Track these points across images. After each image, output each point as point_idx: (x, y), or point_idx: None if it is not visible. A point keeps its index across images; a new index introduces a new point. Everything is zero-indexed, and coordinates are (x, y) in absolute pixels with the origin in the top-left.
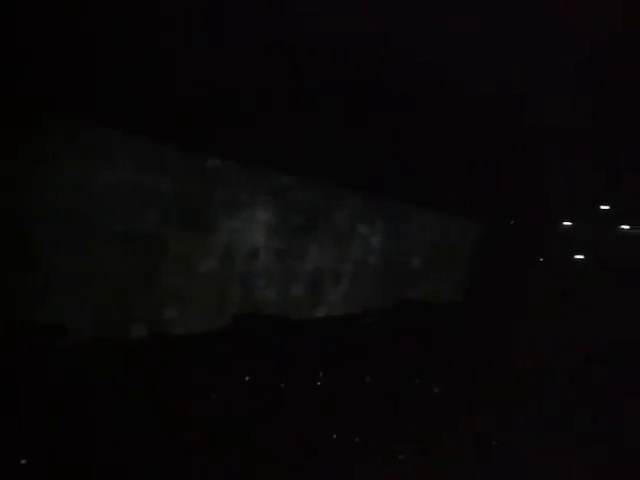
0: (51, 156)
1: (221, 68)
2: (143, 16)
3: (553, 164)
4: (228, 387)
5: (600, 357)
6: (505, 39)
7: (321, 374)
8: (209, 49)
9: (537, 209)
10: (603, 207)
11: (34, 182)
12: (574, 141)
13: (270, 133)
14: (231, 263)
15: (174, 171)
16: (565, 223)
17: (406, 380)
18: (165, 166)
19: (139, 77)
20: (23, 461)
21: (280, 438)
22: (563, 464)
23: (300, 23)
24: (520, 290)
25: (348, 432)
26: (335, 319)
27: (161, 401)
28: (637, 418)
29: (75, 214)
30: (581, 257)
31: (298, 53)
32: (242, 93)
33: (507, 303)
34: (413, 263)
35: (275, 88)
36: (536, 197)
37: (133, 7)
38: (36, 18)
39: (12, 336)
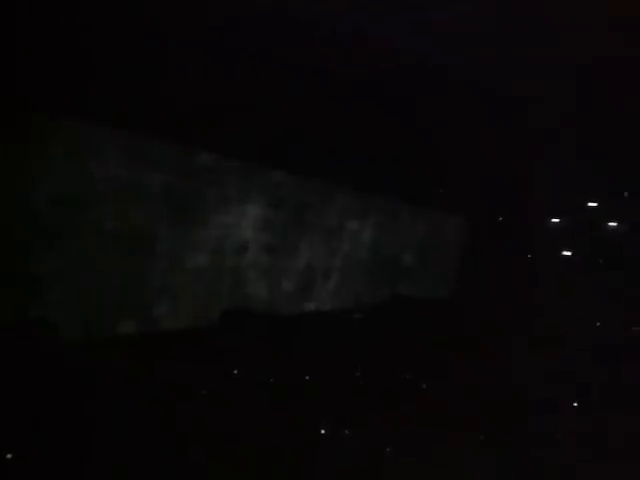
0: (41, 152)
1: (212, 66)
2: (133, 16)
3: (541, 161)
4: (218, 382)
5: (591, 354)
6: (499, 39)
7: (311, 369)
8: (200, 47)
9: (525, 206)
10: (591, 204)
11: (23, 179)
12: (562, 138)
13: (261, 129)
14: (221, 259)
15: (164, 167)
16: (553, 220)
17: (395, 376)
18: (156, 162)
19: (130, 74)
20: (9, 456)
21: (270, 433)
22: (558, 464)
23: (291, 24)
24: (508, 286)
25: (337, 426)
26: (325, 314)
27: (151, 397)
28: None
29: (66, 210)
30: (569, 254)
31: (288, 52)
32: (233, 90)
33: (496, 299)
34: (403, 259)
35: (266, 85)
36: (524, 194)
37: (122, 7)
38: (27, 18)
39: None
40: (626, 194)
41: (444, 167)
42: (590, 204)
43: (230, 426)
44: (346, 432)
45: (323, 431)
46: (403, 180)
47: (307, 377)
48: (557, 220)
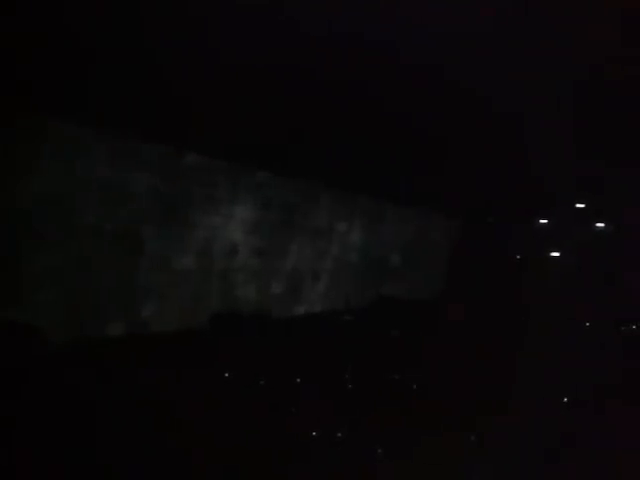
0: (29, 153)
1: (199, 66)
2: (122, 15)
3: (530, 162)
4: (207, 384)
5: (581, 354)
6: (488, 37)
7: (301, 371)
8: (189, 47)
9: (514, 207)
10: (579, 205)
11: (11, 179)
12: (551, 139)
13: (249, 130)
14: (211, 261)
15: (151, 168)
16: (541, 221)
17: (385, 377)
18: (143, 163)
19: (118, 74)
20: None
21: (260, 435)
22: (548, 464)
23: (282, 24)
24: (497, 286)
25: (328, 428)
26: (315, 316)
27: (140, 400)
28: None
29: (53, 211)
30: (557, 254)
31: (275, 52)
32: (220, 90)
33: (484, 300)
34: (391, 260)
35: (254, 86)
36: (513, 195)
37: (109, 6)
38: (14, 17)
39: None
40: (613, 194)
41: (433, 168)
42: (578, 205)
43: (221, 429)
44: (338, 434)
45: (314, 433)
46: (391, 181)
47: (298, 379)
48: (545, 221)
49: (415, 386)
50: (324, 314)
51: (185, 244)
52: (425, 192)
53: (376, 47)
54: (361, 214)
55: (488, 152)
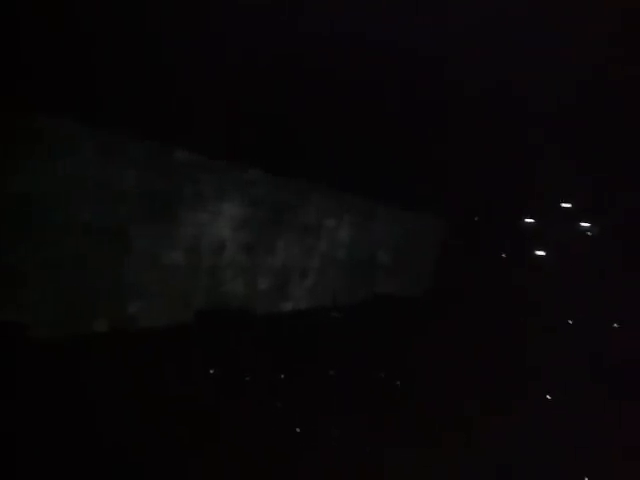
0: (16, 150)
1: (189, 62)
2: (113, 14)
3: (516, 162)
4: (193, 381)
5: (570, 352)
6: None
7: (288, 368)
8: (181, 44)
9: (500, 206)
10: (565, 205)
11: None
12: (538, 139)
13: (240, 128)
14: (199, 257)
15: (140, 165)
16: (527, 220)
17: (372, 374)
18: (131, 160)
19: (105, 71)
20: None
21: (246, 431)
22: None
23: (276, 22)
24: (484, 285)
25: (313, 425)
26: (303, 313)
27: (127, 396)
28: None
29: (40, 208)
30: (542, 254)
31: (267, 49)
32: (210, 87)
33: (471, 298)
34: (379, 259)
35: (244, 83)
36: (499, 195)
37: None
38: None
39: None
40: (600, 195)
41: (422, 166)
42: (564, 205)
43: (206, 425)
44: (324, 432)
45: (298, 430)
46: (381, 179)
47: (282, 375)
48: (531, 220)
49: (404, 384)
50: (312, 311)
51: (174, 241)
52: (416, 191)
53: (371, 48)
54: (351, 212)
55: (484, 152)
